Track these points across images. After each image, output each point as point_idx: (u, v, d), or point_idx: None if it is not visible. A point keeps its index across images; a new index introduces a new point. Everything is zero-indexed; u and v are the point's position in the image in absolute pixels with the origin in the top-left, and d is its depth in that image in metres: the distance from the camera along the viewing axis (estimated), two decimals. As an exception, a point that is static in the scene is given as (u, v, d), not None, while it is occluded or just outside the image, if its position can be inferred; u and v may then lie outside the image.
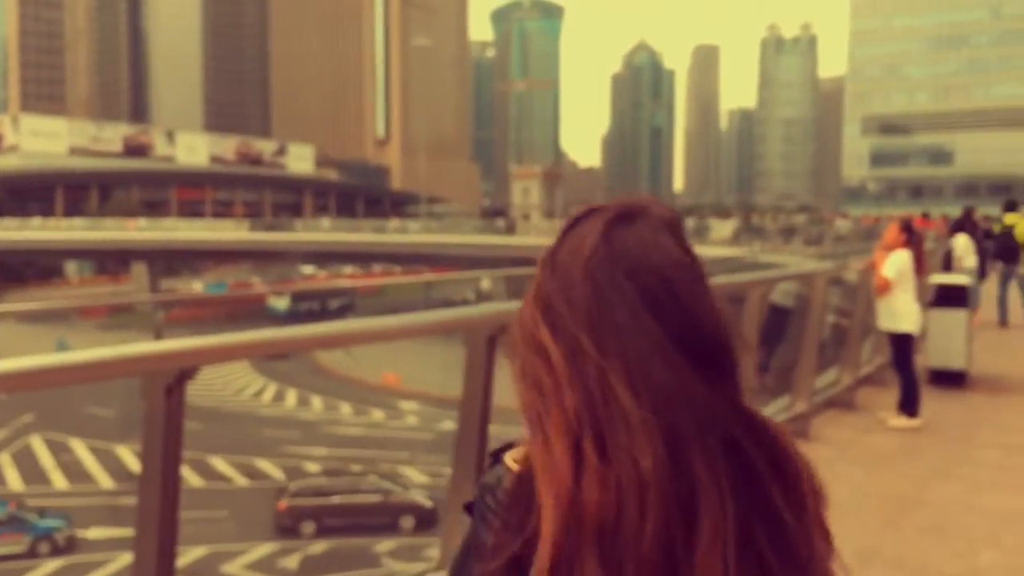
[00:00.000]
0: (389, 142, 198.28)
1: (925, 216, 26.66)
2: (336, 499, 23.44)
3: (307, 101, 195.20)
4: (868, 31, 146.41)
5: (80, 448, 28.14)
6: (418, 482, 25.26)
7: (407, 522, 22.84)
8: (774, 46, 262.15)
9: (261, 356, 24.44)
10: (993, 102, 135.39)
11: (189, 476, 23.73)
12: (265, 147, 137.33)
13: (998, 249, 14.86)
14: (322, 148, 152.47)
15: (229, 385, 36.76)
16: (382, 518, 22.95)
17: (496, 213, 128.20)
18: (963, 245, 13.85)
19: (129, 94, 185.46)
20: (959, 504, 5.84)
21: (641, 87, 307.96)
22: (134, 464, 19.68)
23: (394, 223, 79.75)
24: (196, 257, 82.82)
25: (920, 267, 7.96)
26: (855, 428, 7.75)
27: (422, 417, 32.95)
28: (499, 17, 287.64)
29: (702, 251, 1.00)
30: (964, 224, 15.14)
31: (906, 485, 6.21)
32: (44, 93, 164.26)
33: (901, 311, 7.78)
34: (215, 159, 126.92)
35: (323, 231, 75.52)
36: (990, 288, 14.94)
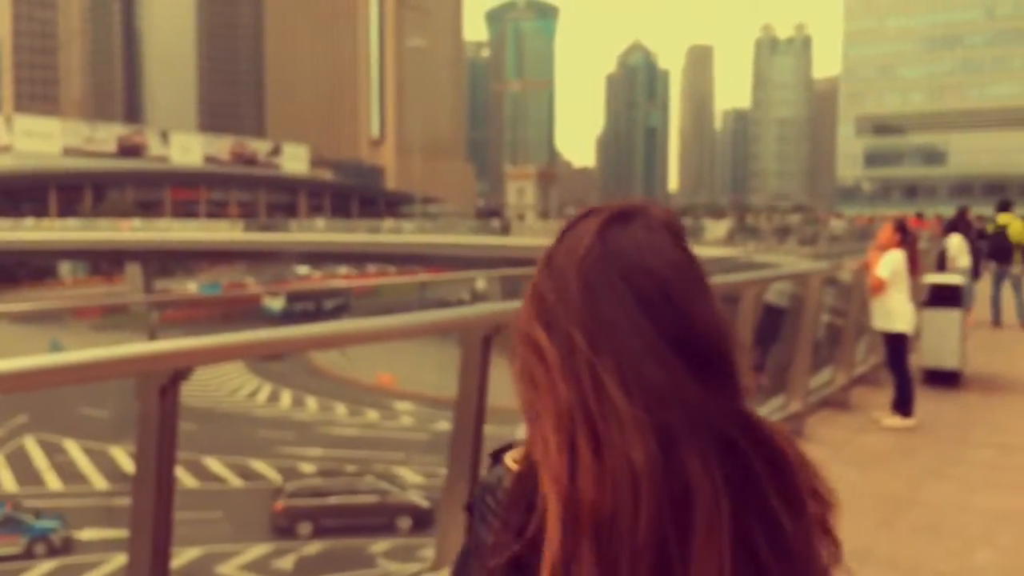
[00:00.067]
0: (384, 142, 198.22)
1: (919, 216, 26.71)
2: (333, 500, 23.42)
3: (302, 101, 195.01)
4: (862, 31, 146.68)
5: (74, 449, 28.08)
6: (413, 482, 25.24)
7: (404, 522, 22.83)
8: (768, 46, 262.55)
9: (256, 357, 24.40)
10: (987, 102, 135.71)
11: (183, 477, 23.66)
12: (260, 147, 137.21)
13: (992, 249, 14.89)
14: (317, 148, 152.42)
15: (224, 386, 36.71)
16: (379, 519, 22.93)
17: (491, 213, 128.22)
18: (957, 245, 13.90)
19: (123, 94, 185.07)
20: (953, 504, 5.85)
21: (636, 87, 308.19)
22: (128, 465, 19.66)
23: (389, 223, 79.65)
24: (190, 257, 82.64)
25: (914, 267, 7.98)
26: (849, 428, 7.76)
27: (417, 417, 32.92)
28: (494, 17, 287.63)
29: (697, 251, 1.00)
30: (958, 224, 15.20)
31: (900, 485, 6.23)
32: (38, 93, 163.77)
33: (895, 311, 7.80)
34: (209, 159, 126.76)
35: (318, 231, 75.41)
36: (984, 288, 14.98)
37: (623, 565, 0.83)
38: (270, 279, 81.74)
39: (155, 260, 76.62)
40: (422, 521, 22.20)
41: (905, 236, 7.97)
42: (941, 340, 9.26)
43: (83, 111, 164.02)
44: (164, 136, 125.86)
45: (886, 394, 8.00)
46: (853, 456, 6.85)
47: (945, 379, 9.21)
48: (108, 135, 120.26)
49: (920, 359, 9.24)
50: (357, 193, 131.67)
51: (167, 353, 2.58)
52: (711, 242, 46.57)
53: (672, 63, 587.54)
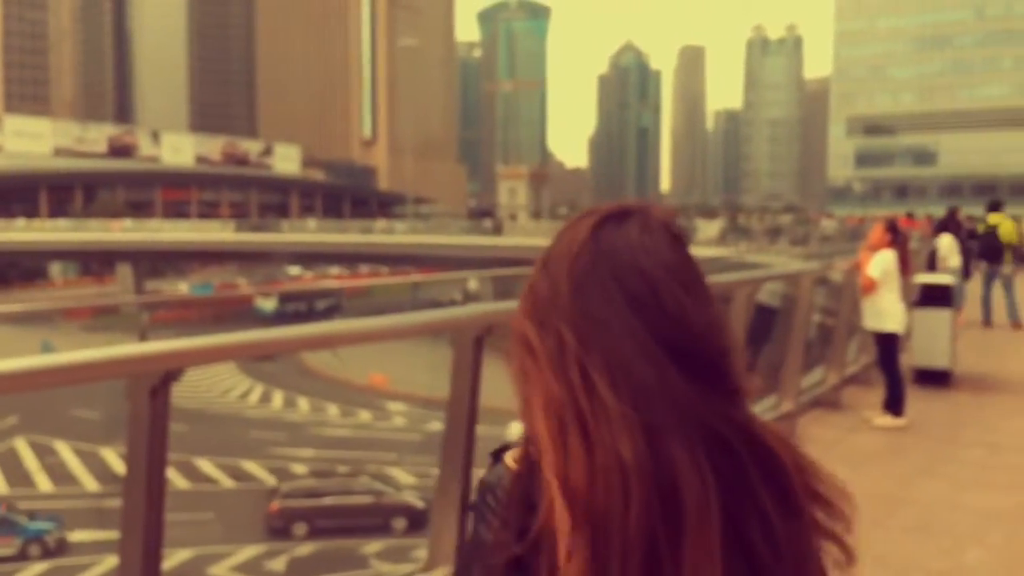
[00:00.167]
0: (376, 142, 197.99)
1: (910, 216, 26.76)
2: (328, 500, 23.40)
3: (293, 101, 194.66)
4: (853, 32, 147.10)
5: (65, 450, 27.98)
6: (405, 483, 25.21)
7: (399, 523, 22.80)
8: (760, 47, 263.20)
9: (247, 357, 24.35)
10: (977, 103, 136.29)
11: (175, 478, 23.61)
12: (251, 147, 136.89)
13: (982, 249, 14.95)
14: (308, 148, 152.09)
15: (215, 387, 36.60)
16: (374, 519, 22.90)
17: (483, 214, 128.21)
18: (947, 245, 13.93)
19: (114, 94, 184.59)
20: (944, 502, 5.87)
21: (628, 88, 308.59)
22: (119, 466, 19.57)
23: (381, 224, 79.55)
24: (182, 258, 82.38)
25: (905, 267, 8.00)
26: (841, 427, 7.78)
27: (409, 418, 32.89)
28: (486, 17, 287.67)
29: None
30: (948, 224, 15.23)
31: (891, 484, 6.24)
32: (28, 94, 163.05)
33: (886, 311, 7.82)
34: (201, 159, 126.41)
35: (309, 232, 75.27)
36: (974, 288, 15.02)
37: (615, 559, 0.84)
38: (262, 280, 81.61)
39: (146, 261, 76.37)
40: (417, 522, 22.16)
41: (896, 236, 7.99)
42: (932, 340, 9.28)
43: (74, 111, 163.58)
44: (155, 136, 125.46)
45: (877, 394, 8.02)
46: (844, 455, 6.87)
47: (936, 379, 9.23)
48: (99, 135, 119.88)
49: (911, 359, 9.27)
50: (349, 193, 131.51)
51: (158, 354, 2.57)
52: (703, 242, 46.66)
53: (664, 64, 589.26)
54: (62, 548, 22.08)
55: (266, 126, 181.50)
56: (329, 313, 42.76)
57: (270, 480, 26.13)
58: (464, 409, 3.62)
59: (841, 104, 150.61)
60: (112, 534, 13.97)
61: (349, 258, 76.89)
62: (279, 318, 37.67)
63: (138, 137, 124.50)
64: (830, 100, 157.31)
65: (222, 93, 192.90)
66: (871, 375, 8.89)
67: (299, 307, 49.07)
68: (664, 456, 0.85)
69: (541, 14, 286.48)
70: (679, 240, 0.98)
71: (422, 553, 3.86)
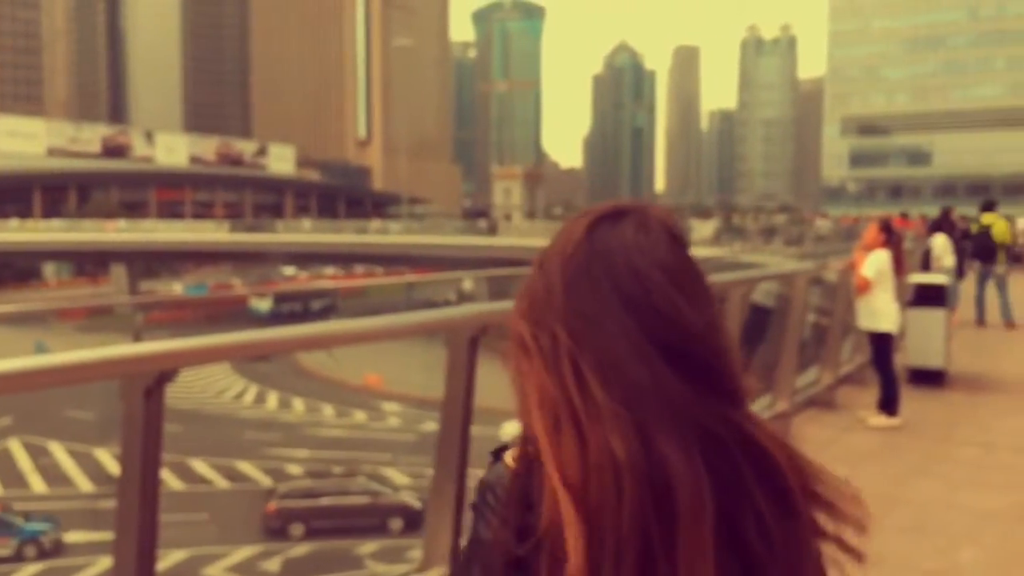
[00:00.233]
0: (370, 143, 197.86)
1: (904, 216, 26.80)
2: (325, 501, 23.37)
3: (288, 101, 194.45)
4: (847, 32, 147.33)
5: (59, 451, 27.92)
6: (400, 483, 25.20)
7: (396, 524, 22.78)
8: (754, 47, 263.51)
9: (242, 358, 24.32)
10: (971, 103, 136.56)
11: (169, 479, 23.58)
12: (245, 147, 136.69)
13: (976, 249, 15.00)
14: (303, 149, 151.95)
15: (209, 387, 36.55)
16: (371, 520, 22.88)
17: (478, 214, 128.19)
18: (941, 245, 13.96)
19: (107, 94, 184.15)
20: (939, 502, 5.89)
21: (622, 88, 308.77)
22: (113, 467, 19.55)
23: (375, 224, 79.47)
24: (176, 258, 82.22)
25: (899, 267, 8.02)
26: (835, 427, 7.79)
27: (404, 418, 32.87)
28: (480, 17, 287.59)
29: (684, 252, 1.00)
30: (942, 224, 15.26)
31: (886, 483, 6.25)
32: (21, 93, 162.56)
33: (880, 310, 7.83)
34: (195, 160, 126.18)
35: (304, 232, 75.19)
36: (968, 287, 15.08)
37: (608, 556, 0.84)
38: (256, 280, 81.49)
39: (140, 261, 76.21)
40: (413, 522, 22.13)
41: (890, 236, 8.01)
42: (926, 339, 9.31)
43: (67, 111, 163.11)
44: (149, 136, 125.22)
45: (872, 393, 8.04)
46: (839, 455, 6.87)
47: (930, 378, 9.26)
48: (93, 135, 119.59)
49: (905, 358, 9.29)
50: (344, 194, 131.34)
51: (152, 355, 2.57)
52: (698, 242, 46.65)
53: (658, 64, 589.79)
54: (58, 549, 22.05)
55: (260, 126, 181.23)
56: (324, 313, 42.77)
57: (265, 481, 26.10)
58: (459, 409, 3.62)
59: (835, 104, 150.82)
60: (106, 535, 13.95)
61: (344, 258, 76.82)
62: (274, 318, 37.59)
63: (132, 137, 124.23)
64: (824, 100, 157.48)
65: (216, 93, 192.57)
66: (865, 375, 8.91)
67: (294, 307, 49.03)
68: (657, 454, 0.86)
69: (536, 14, 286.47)
70: (678, 240, 0.98)
71: (418, 553, 3.85)
